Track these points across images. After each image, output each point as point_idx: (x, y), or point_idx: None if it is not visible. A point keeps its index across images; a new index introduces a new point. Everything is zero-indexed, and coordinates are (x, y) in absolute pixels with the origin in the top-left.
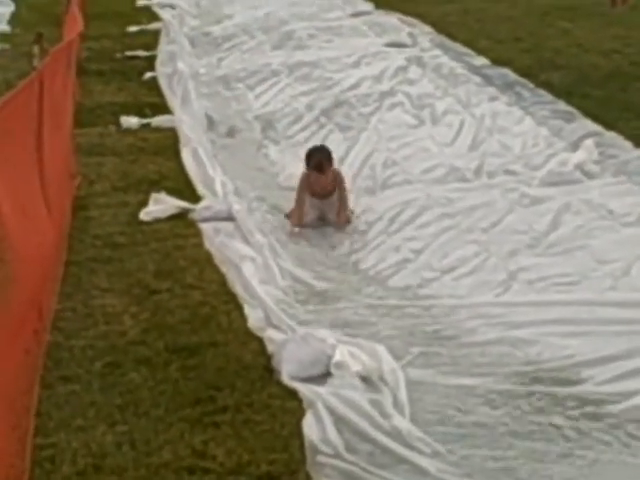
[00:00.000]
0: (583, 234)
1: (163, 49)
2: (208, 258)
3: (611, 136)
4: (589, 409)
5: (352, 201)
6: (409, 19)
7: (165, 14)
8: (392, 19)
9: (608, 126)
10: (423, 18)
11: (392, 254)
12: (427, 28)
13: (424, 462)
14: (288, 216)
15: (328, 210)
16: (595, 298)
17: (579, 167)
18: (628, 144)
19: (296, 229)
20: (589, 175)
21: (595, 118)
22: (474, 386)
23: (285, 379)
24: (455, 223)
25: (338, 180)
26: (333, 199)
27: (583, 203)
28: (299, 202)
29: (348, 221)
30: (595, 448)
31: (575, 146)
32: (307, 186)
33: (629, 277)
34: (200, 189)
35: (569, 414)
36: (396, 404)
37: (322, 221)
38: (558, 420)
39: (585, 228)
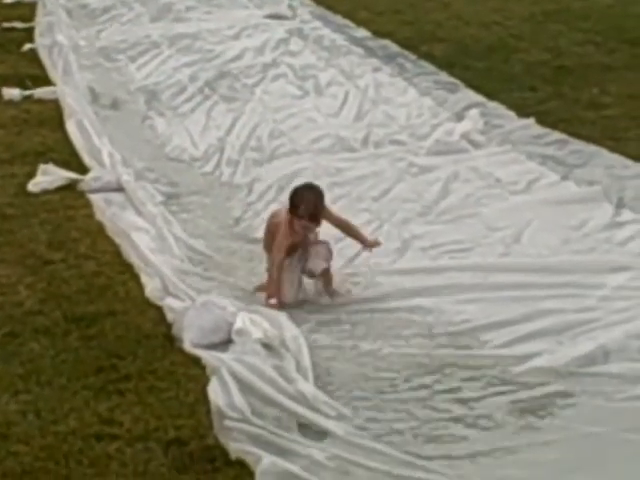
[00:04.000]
0: (473, 202)
1: (41, 20)
2: (100, 229)
3: (494, 106)
4: (489, 372)
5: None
6: None
7: None
8: None
9: (491, 97)
10: None
11: None
12: (307, 0)
13: (330, 425)
14: (258, 289)
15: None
16: (488, 264)
17: (465, 137)
18: (511, 114)
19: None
20: (475, 144)
21: (478, 89)
22: (375, 350)
23: (187, 346)
24: (346, 192)
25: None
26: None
27: (471, 171)
28: (277, 261)
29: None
30: (496, 411)
31: (459, 116)
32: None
33: (520, 244)
34: (87, 160)
35: (470, 376)
36: (299, 369)
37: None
38: (459, 384)
39: (474, 196)
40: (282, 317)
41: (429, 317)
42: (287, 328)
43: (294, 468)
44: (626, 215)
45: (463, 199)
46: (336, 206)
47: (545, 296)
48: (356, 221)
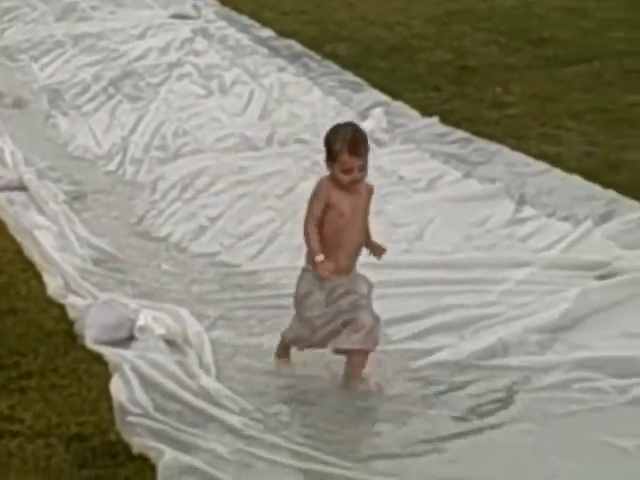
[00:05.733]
0: (377, 199)
1: None
2: (2, 227)
3: (398, 105)
4: (390, 364)
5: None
6: None
7: None
8: None
9: (395, 96)
10: None
11: (188, 221)
12: (211, 0)
13: (233, 420)
14: (279, 355)
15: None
16: (392, 261)
17: (369, 135)
18: (415, 113)
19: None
20: (379, 143)
21: (382, 89)
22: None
23: (89, 343)
24: (250, 190)
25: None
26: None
27: (375, 170)
28: (311, 230)
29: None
30: (401, 401)
31: (364, 115)
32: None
33: (422, 240)
34: None
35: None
36: (202, 365)
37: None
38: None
39: (378, 194)
40: (185, 313)
41: None
42: (189, 324)
43: (196, 462)
44: (527, 212)
45: None
46: (240, 204)
47: (447, 292)
48: (259, 219)
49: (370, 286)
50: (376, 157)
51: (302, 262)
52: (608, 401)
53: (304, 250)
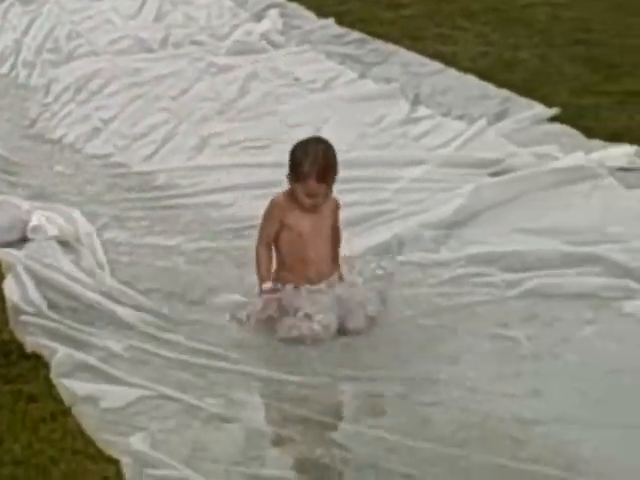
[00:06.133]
0: (272, 100)
1: None
2: None
3: (294, 7)
4: None
5: None
6: None
7: None
8: None
9: None
10: None
11: (82, 123)
12: None
13: (129, 316)
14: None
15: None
16: (286, 160)
17: (264, 37)
18: (311, 14)
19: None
20: (274, 44)
21: None
22: (173, 246)
23: None
24: (144, 92)
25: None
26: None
27: (270, 71)
28: (261, 253)
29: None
30: None
31: (259, 16)
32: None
33: None
34: None
35: None
36: (97, 264)
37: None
38: None
39: (273, 94)
40: (77, 214)
41: (228, 211)
42: (82, 225)
43: (90, 359)
44: (422, 111)
45: (262, 97)
46: (134, 106)
47: (342, 189)
48: (153, 120)
49: (367, 317)
50: (272, 59)
51: (197, 161)
52: (499, 295)
53: (200, 151)
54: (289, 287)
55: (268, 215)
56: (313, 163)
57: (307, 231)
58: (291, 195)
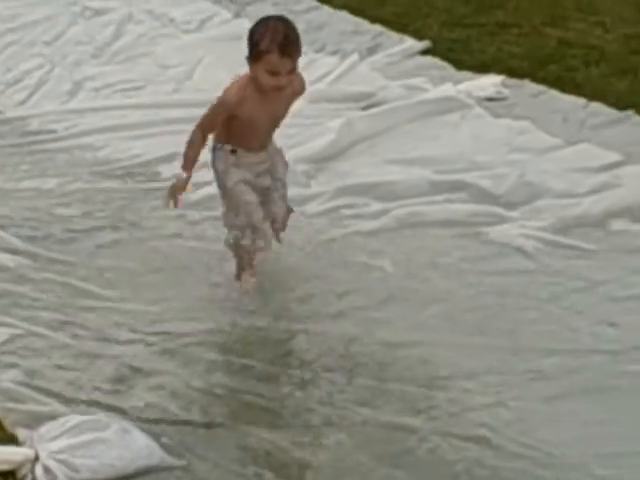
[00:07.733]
0: (146, 42)
1: None
2: None
3: None
4: None
5: None
6: None
7: None
8: None
9: None
10: None
11: None
12: None
13: (4, 259)
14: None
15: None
16: (160, 101)
17: None
18: None
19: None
20: None
21: None
22: (54, 188)
23: None
24: (18, 38)
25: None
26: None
27: (145, 13)
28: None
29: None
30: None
31: None
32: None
33: (192, 80)
34: None
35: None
36: None
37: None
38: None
39: (147, 36)
40: None
41: (100, 153)
42: None
43: None
44: None
45: (136, 39)
46: (8, 52)
47: None
48: (27, 66)
49: (286, 165)
50: (147, 1)
51: (71, 105)
52: (368, 225)
53: (73, 95)
54: (227, 147)
55: (220, 107)
56: (274, 37)
57: (262, 121)
58: (249, 82)
